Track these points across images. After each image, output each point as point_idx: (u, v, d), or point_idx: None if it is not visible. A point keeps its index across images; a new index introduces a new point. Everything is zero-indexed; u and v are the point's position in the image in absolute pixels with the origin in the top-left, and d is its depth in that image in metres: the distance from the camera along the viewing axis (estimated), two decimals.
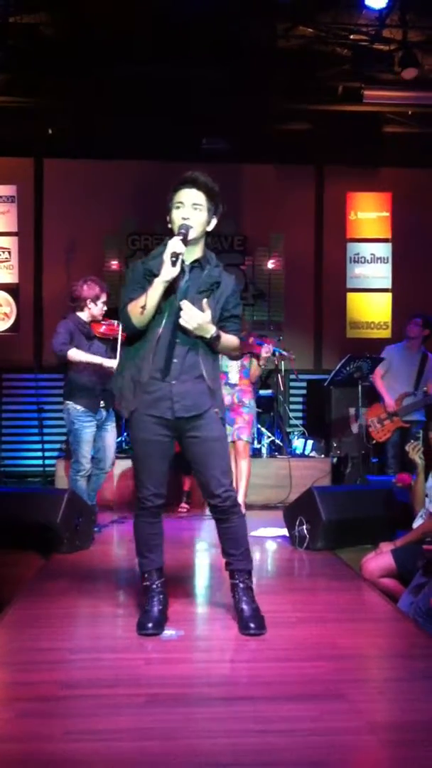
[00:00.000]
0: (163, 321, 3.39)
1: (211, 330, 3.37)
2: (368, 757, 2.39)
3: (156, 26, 7.37)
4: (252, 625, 3.46)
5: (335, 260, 9.65)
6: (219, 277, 3.49)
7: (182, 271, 3.39)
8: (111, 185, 9.22)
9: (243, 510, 6.37)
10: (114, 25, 7.27)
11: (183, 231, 3.33)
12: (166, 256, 3.29)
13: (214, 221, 3.48)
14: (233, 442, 6.46)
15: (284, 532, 5.70)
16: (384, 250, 9.70)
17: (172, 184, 3.47)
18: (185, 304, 3.31)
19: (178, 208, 3.40)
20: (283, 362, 7.92)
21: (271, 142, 8.93)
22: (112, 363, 5.55)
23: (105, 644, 3.46)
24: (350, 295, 9.68)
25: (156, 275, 3.35)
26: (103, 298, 5.88)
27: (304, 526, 5.32)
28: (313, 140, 8.95)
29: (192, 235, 3.36)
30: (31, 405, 8.97)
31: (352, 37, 7.95)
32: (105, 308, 5.90)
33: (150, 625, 3.48)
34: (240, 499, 6.49)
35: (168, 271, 3.29)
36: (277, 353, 6.88)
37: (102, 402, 5.78)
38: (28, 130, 8.78)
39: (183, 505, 7.08)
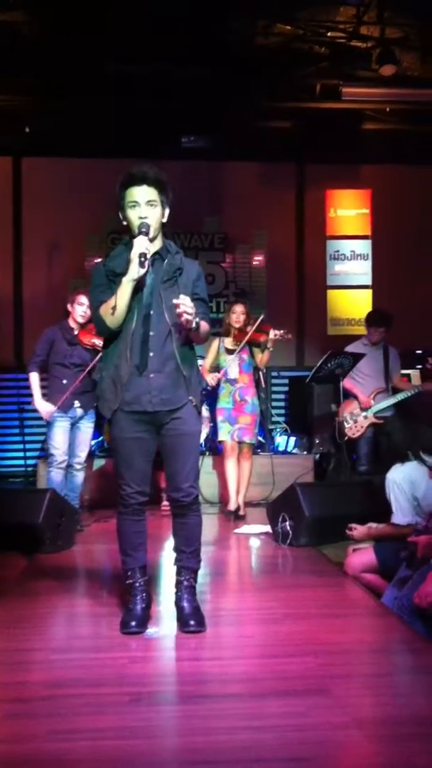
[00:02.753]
0: (134, 317, 3.42)
1: (190, 308, 3.34)
2: (354, 752, 2.39)
3: (135, 24, 7.34)
4: (192, 623, 3.49)
5: (316, 257, 9.65)
6: (180, 263, 3.53)
7: (148, 266, 3.42)
8: (91, 183, 9.15)
9: (242, 511, 6.40)
10: (93, 23, 7.23)
11: (144, 230, 3.37)
12: (134, 257, 3.33)
13: (167, 212, 3.51)
14: (234, 442, 6.45)
15: (267, 528, 5.71)
16: (364, 247, 9.71)
17: (120, 181, 3.50)
18: (182, 298, 3.31)
19: (132, 207, 3.44)
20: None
21: (251, 140, 8.91)
22: (44, 406, 5.87)
23: (88, 644, 3.45)
24: (331, 292, 9.68)
25: (119, 275, 3.41)
26: (81, 300, 5.94)
27: (287, 523, 5.33)
28: (292, 138, 8.95)
29: (152, 233, 3.41)
30: (11, 405, 8.91)
31: (329, 34, 7.95)
32: (87, 313, 5.87)
33: (133, 623, 3.49)
34: (240, 500, 6.50)
35: (136, 271, 3.34)
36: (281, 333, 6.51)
37: (77, 402, 5.93)
38: (5, 129, 8.70)
39: (165, 503, 7.05)
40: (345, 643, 3.40)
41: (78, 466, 6.08)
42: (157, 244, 3.51)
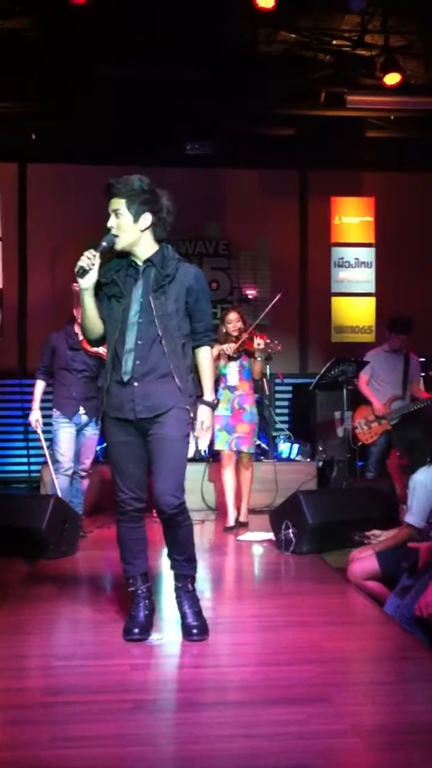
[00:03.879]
0: (120, 326, 3.45)
1: (210, 416, 3.58)
2: (355, 760, 2.39)
3: (139, 31, 7.37)
4: (195, 632, 3.48)
5: (319, 264, 9.66)
6: (174, 270, 3.49)
7: (136, 273, 3.48)
8: (95, 190, 9.10)
9: (245, 519, 6.35)
10: (97, 29, 7.27)
11: (103, 243, 3.45)
12: (77, 267, 3.42)
13: (146, 217, 3.46)
14: (232, 452, 6.35)
15: (270, 536, 5.70)
16: (368, 254, 9.72)
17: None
18: (197, 436, 3.52)
19: (109, 217, 3.48)
20: (268, 366, 7.86)
21: (254, 147, 8.94)
22: (33, 415, 5.95)
23: (91, 650, 3.45)
24: (335, 300, 9.69)
25: (101, 283, 3.50)
26: None
27: (290, 530, 5.33)
28: (296, 145, 8.98)
29: (121, 243, 3.45)
30: (15, 411, 8.92)
31: (334, 42, 7.98)
32: None
33: (136, 630, 3.48)
34: (243, 507, 6.44)
35: (81, 282, 3.44)
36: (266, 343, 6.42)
37: (82, 409, 5.93)
38: (11, 136, 8.75)
39: None
40: (346, 651, 3.40)
41: (83, 473, 6.08)
42: (146, 252, 3.50)
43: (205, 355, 3.61)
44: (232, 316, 6.38)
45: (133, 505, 3.53)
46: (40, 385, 6.02)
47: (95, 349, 5.86)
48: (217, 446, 6.39)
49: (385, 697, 2.87)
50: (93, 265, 3.43)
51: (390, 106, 8.26)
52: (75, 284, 3.56)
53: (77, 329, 5.91)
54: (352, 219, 9.71)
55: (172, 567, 3.59)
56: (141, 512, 3.58)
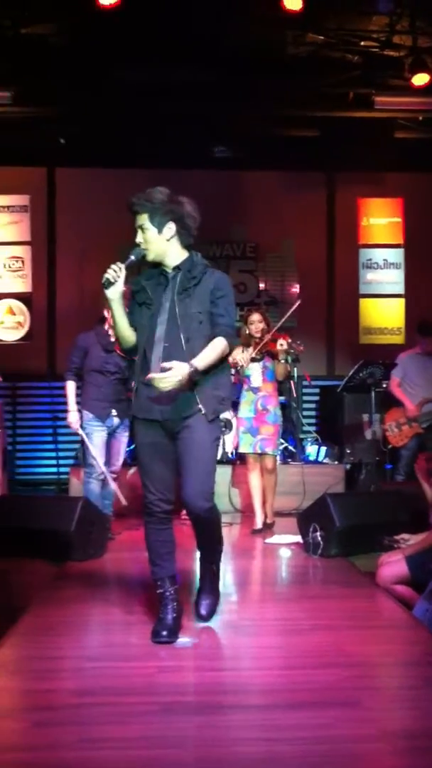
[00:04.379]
0: (149, 330, 3.54)
1: (184, 373, 3.35)
2: (380, 765, 2.38)
3: (165, 35, 7.40)
4: (203, 613, 3.74)
5: (347, 266, 9.62)
6: (199, 275, 3.57)
7: (165, 280, 3.59)
8: (123, 194, 9.16)
9: (271, 520, 6.32)
10: (124, 33, 7.31)
11: (131, 256, 3.59)
12: (103, 278, 3.55)
13: (169, 227, 3.56)
14: (257, 454, 6.31)
15: (298, 539, 5.69)
16: (396, 255, 9.66)
17: None
18: (152, 376, 3.36)
19: (136, 233, 3.61)
20: (296, 369, 7.85)
21: (281, 149, 8.93)
22: (72, 416, 5.89)
23: (119, 652, 3.46)
24: (363, 301, 9.64)
25: (134, 293, 3.64)
26: None
27: (318, 533, 5.31)
28: (324, 146, 8.95)
29: (150, 255, 3.58)
30: (45, 413, 9.00)
31: (362, 43, 7.95)
32: None
33: (164, 632, 3.50)
34: (268, 510, 6.40)
35: (107, 293, 3.56)
36: (289, 344, 6.24)
37: (114, 411, 5.88)
38: (40, 140, 8.83)
39: (184, 513, 7.01)
40: (373, 655, 3.38)
41: (113, 475, 6.05)
42: (177, 259, 3.60)
43: (217, 340, 3.51)
44: (255, 317, 6.31)
45: (160, 507, 3.57)
46: (72, 386, 5.94)
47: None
48: (242, 449, 6.35)
49: (411, 701, 2.85)
50: (118, 277, 3.55)
51: (418, 107, 8.21)
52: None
53: (109, 330, 5.87)
54: (380, 220, 9.65)
55: (200, 552, 3.81)
56: (168, 514, 3.62)
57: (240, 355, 6.13)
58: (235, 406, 7.87)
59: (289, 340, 6.15)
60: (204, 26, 7.34)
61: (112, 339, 5.83)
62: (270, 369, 6.25)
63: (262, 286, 9.60)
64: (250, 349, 6.24)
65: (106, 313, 5.89)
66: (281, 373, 6.31)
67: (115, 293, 3.55)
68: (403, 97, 8.03)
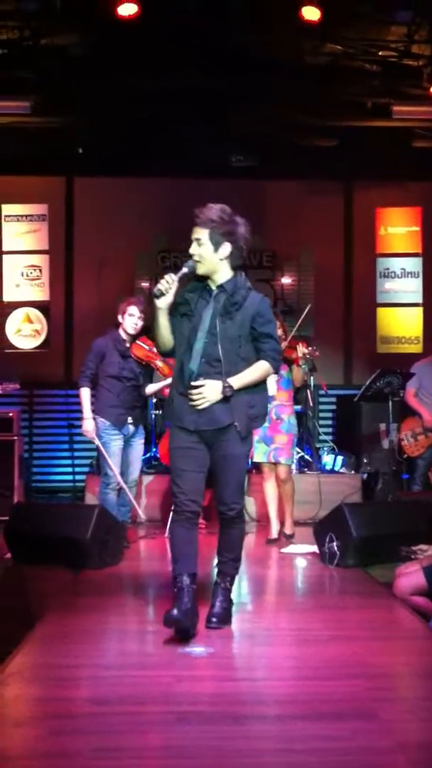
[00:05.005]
0: (189, 343, 3.73)
1: (218, 392, 3.65)
2: None
3: (184, 44, 7.43)
4: (214, 620, 3.77)
5: (365, 275, 9.60)
6: (242, 298, 3.75)
7: (209, 296, 3.76)
8: (141, 202, 9.29)
9: (291, 531, 6.28)
10: (142, 43, 7.35)
11: (185, 269, 3.72)
12: (155, 288, 3.69)
13: (225, 247, 3.73)
14: (272, 464, 6.28)
15: (314, 548, 5.66)
16: (414, 264, 9.62)
17: None
18: (192, 394, 3.65)
19: (191, 244, 3.74)
20: (312, 377, 7.83)
21: (299, 158, 8.94)
22: (88, 424, 5.77)
23: (135, 661, 3.46)
24: (380, 310, 9.61)
25: (176, 302, 3.77)
26: (131, 311, 5.80)
27: (335, 543, 5.27)
28: (341, 156, 8.96)
29: (201, 269, 3.73)
30: (61, 421, 9.03)
31: (380, 53, 7.95)
32: (138, 324, 5.81)
33: (175, 611, 3.50)
34: (287, 521, 6.35)
35: (157, 302, 3.70)
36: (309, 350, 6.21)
37: (130, 418, 5.81)
38: (58, 150, 8.89)
39: (201, 520, 6.98)
40: (392, 666, 3.36)
41: (132, 483, 5.98)
42: (221, 278, 3.77)
43: (260, 364, 3.77)
44: None
45: (189, 507, 3.72)
46: (87, 393, 5.81)
47: (145, 354, 5.82)
48: (256, 458, 6.27)
49: (430, 713, 2.82)
50: (170, 289, 3.68)
51: None
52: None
53: (125, 335, 5.85)
54: (399, 229, 9.63)
55: (218, 564, 3.92)
56: (196, 515, 3.77)
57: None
58: None
59: (306, 346, 6.11)
60: (223, 36, 7.37)
61: (128, 345, 5.86)
62: (285, 377, 6.20)
63: (279, 294, 9.59)
64: None
65: (120, 318, 5.86)
66: (299, 380, 6.28)
67: (164, 303, 3.70)
68: (421, 107, 8.01)
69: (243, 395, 3.71)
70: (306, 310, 6.20)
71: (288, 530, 6.35)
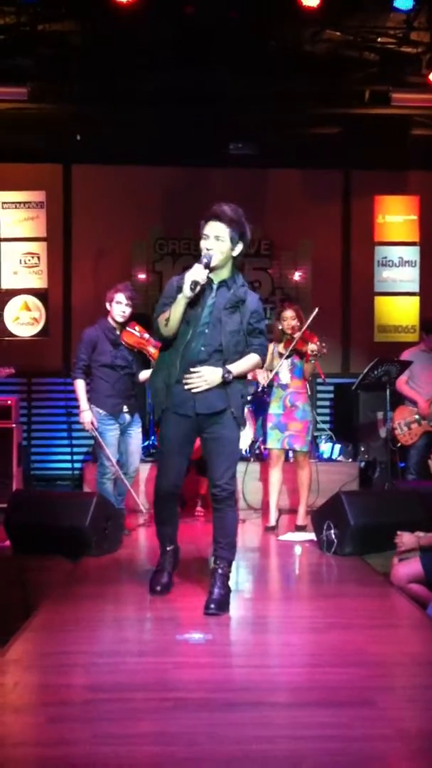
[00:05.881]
0: (190, 332, 3.91)
1: (218, 377, 3.88)
2: (397, 765, 2.37)
3: (183, 32, 7.40)
4: (213, 606, 3.84)
5: (363, 264, 9.60)
6: (244, 296, 3.99)
7: (210, 289, 3.93)
8: (139, 190, 9.26)
9: (302, 521, 6.24)
10: (141, 31, 7.31)
11: (205, 260, 3.83)
12: (187, 279, 3.80)
13: (239, 247, 3.96)
14: (285, 450, 6.27)
15: (312, 536, 5.68)
16: (412, 253, 9.63)
17: (204, 216, 3.96)
18: (190, 377, 3.88)
19: (204, 239, 3.92)
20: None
21: (298, 147, 8.92)
22: (86, 416, 5.72)
23: (133, 648, 3.47)
24: (378, 299, 9.62)
25: (180, 289, 3.88)
26: (118, 298, 5.75)
27: (332, 531, 5.29)
28: (340, 144, 8.93)
29: (215, 262, 3.88)
30: (60, 409, 9.03)
31: (379, 40, 7.92)
32: (125, 312, 5.76)
33: (158, 588, 4.12)
34: (301, 510, 6.33)
35: (186, 293, 3.81)
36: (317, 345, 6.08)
37: (125, 407, 5.79)
38: (56, 137, 8.85)
39: (199, 509, 7.00)
40: (389, 654, 3.37)
41: (133, 474, 5.96)
42: (225, 274, 3.98)
43: (252, 356, 4.02)
44: (288, 313, 6.23)
45: (170, 489, 4.11)
46: (82, 385, 5.74)
47: (136, 341, 5.78)
48: (269, 444, 6.27)
49: (429, 701, 2.84)
50: (204, 279, 3.83)
51: None
52: (180, 295, 3.87)
53: (113, 323, 5.80)
54: (396, 218, 9.63)
55: (214, 550, 4.04)
56: (175, 495, 4.17)
57: (260, 376, 6.19)
58: (259, 402, 7.87)
59: (317, 341, 6.08)
60: (221, 25, 7.33)
61: (118, 332, 5.81)
62: (298, 366, 6.18)
63: (276, 283, 9.58)
64: (280, 346, 6.22)
65: (108, 306, 5.82)
66: (309, 373, 6.27)
67: (190, 294, 3.82)
68: (420, 94, 7.99)
69: (237, 383, 3.96)
70: (314, 314, 6.16)
71: (300, 521, 6.26)
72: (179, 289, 3.87)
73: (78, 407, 5.83)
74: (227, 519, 4.02)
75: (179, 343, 3.93)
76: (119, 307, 5.76)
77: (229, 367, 3.90)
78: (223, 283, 3.97)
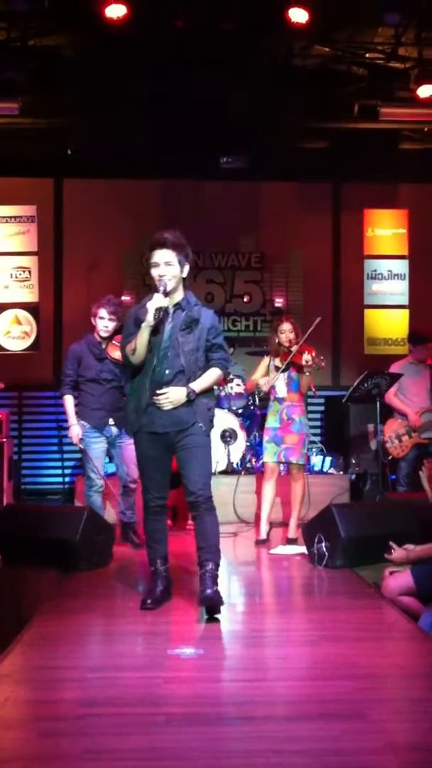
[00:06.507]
0: (154, 357, 4.11)
1: (183, 396, 4.09)
2: None
3: (173, 46, 7.45)
4: (209, 591, 3.97)
5: (353, 277, 9.65)
6: (198, 314, 4.18)
7: (166, 314, 4.12)
8: (130, 204, 9.29)
9: (294, 534, 6.22)
10: (132, 45, 7.35)
11: (162, 288, 4.03)
12: (150, 309, 4.00)
13: (186, 268, 4.17)
14: (281, 463, 6.24)
15: (303, 549, 5.67)
16: (401, 266, 9.69)
17: (148, 245, 4.20)
18: (159, 400, 4.07)
19: (155, 267, 4.12)
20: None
21: (288, 160, 8.96)
22: (74, 430, 5.82)
23: (124, 662, 3.46)
24: (368, 312, 9.66)
25: (143, 322, 4.06)
26: (101, 314, 5.81)
27: (323, 544, 5.28)
28: (330, 158, 8.99)
29: (170, 286, 4.08)
30: (50, 423, 9.01)
31: (368, 55, 7.99)
32: (108, 326, 5.81)
33: (149, 601, 4.17)
34: (292, 524, 6.29)
35: (152, 320, 4.02)
36: (313, 358, 6.04)
37: (111, 420, 5.82)
38: (47, 151, 8.88)
39: (190, 522, 6.98)
40: (381, 666, 3.37)
41: (132, 485, 5.91)
42: (178, 296, 4.18)
43: (213, 370, 4.22)
44: (286, 326, 6.20)
45: (156, 502, 4.27)
46: (70, 400, 5.84)
47: (116, 355, 5.80)
48: (265, 458, 6.25)
49: (420, 714, 2.84)
50: (165, 305, 4.04)
51: (424, 118, 8.24)
52: (143, 324, 4.06)
53: (98, 338, 5.86)
54: (386, 231, 9.69)
55: (199, 557, 4.15)
56: (163, 507, 4.32)
57: (262, 380, 6.24)
58: (248, 416, 7.84)
59: (314, 354, 6.07)
60: (211, 38, 7.39)
61: (103, 346, 5.85)
62: (294, 380, 6.15)
63: (267, 295, 9.61)
64: (277, 360, 6.22)
65: (92, 321, 5.88)
66: (304, 386, 6.23)
67: (153, 322, 4.01)
68: (408, 109, 8.06)
69: (203, 399, 4.17)
70: (315, 323, 6.15)
71: (292, 534, 6.22)
72: (137, 320, 4.11)
73: (67, 422, 5.89)
74: (207, 524, 4.14)
75: (146, 368, 4.13)
76: (102, 322, 5.83)
77: (192, 385, 4.10)
78: (177, 306, 4.17)
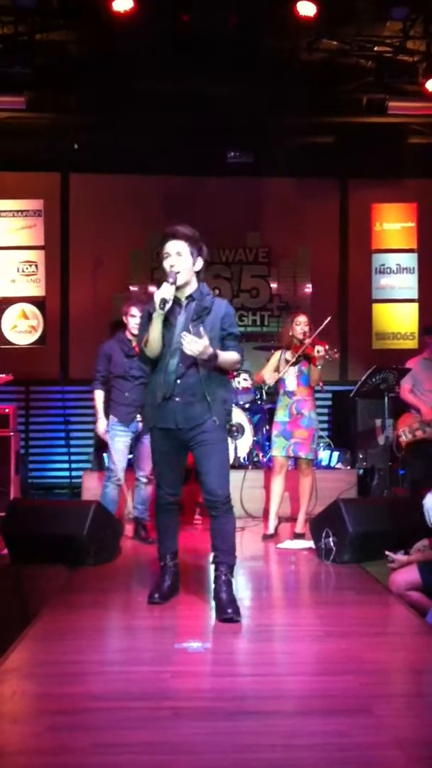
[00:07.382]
0: (168, 351, 4.07)
1: (208, 351, 3.93)
2: None
3: (180, 41, 7.43)
4: (229, 611, 3.90)
5: (360, 271, 9.63)
6: (210, 304, 4.14)
7: (180, 306, 4.09)
8: (136, 199, 9.28)
9: (302, 530, 6.22)
10: (138, 41, 7.34)
11: (171, 279, 3.97)
12: (156, 298, 3.95)
13: (199, 261, 4.14)
14: (290, 458, 6.22)
15: (311, 544, 5.67)
16: (410, 260, 9.66)
17: (160, 238, 4.16)
18: (185, 336, 3.89)
19: (166, 257, 4.08)
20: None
21: (295, 155, 8.94)
22: (101, 424, 5.99)
23: (131, 657, 3.46)
24: (376, 306, 9.65)
25: (150, 313, 4.07)
26: (133, 312, 5.90)
27: (331, 539, 5.29)
28: (337, 152, 8.97)
29: (181, 279, 4.03)
30: (57, 417, 9.01)
31: (375, 49, 7.95)
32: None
33: (157, 595, 4.18)
34: (300, 517, 6.29)
35: (157, 310, 3.96)
36: (326, 350, 6.06)
37: (139, 416, 5.85)
38: (54, 146, 8.88)
39: (197, 516, 7.00)
40: (388, 662, 3.37)
41: (144, 480, 5.99)
42: (190, 288, 4.14)
43: (231, 352, 4.14)
44: (302, 318, 6.20)
45: (168, 499, 4.26)
46: (100, 395, 6.02)
47: None
48: (273, 452, 6.24)
49: (427, 709, 2.84)
50: (171, 296, 3.97)
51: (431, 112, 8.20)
52: (154, 314, 4.01)
53: (129, 336, 5.94)
54: (394, 225, 9.66)
55: (214, 557, 4.10)
56: (175, 504, 4.30)
57: (268, 373, 6.24)
58: (256, 411, 7.82)
59: (327, 347, 6.06)
60: (218, 34, 7.36)
61: (133, 344, 5.89)
62: (305, 374, 6.13)
63: (274, 290, 9.60)
64: (288, 353, 6.21)
65: (124, 319, 5.97)
66: (315, 380, 6.20)
67: (166, 309, 3.95)
68: (416, 102, 8.03)
69: (219, 391, 4.10)
70: (326, 321, 6.13)
71: (299, 528, 6.19)
72: (149, 315, 4.08)
73: (95, 415, 6.09)
74: (225, 524, 4.09)
75: (161, 363, 4.09)
76: (134, 320, 5.88)
77: (217, 351, 4.01)
78: (189, 299, 4.13)
